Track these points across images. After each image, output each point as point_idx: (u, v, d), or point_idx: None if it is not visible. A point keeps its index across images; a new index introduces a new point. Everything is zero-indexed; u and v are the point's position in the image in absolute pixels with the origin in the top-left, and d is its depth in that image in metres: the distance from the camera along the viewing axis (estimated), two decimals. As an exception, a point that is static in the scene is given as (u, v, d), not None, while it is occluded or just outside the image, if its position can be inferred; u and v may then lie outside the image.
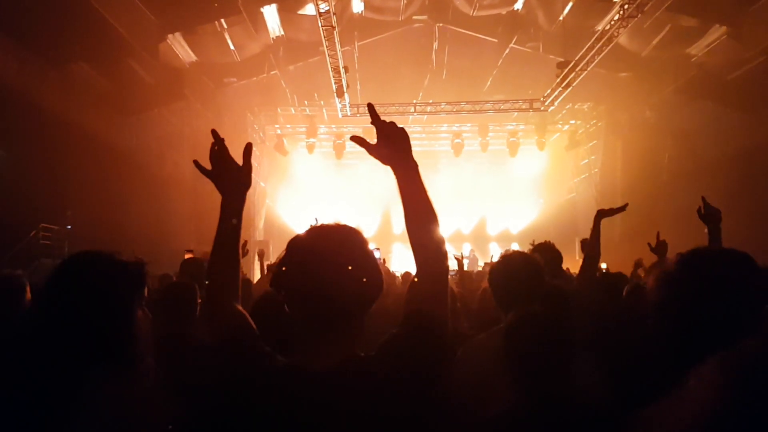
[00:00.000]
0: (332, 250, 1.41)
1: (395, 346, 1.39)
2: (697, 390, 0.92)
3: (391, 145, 1.53)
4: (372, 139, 1.55)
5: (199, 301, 3.15)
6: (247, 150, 1.63)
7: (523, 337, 1.93)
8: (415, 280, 1.55)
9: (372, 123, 1.54)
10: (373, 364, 1.37)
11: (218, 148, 1.61)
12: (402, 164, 1.53)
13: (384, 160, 1.54)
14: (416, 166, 1.53)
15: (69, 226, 12.37)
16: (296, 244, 1.48)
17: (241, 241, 1.67)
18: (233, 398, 1.38)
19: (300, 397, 1.31)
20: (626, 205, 3.59)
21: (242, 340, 1.46)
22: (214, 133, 1.63)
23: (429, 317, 1.43)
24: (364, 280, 1.41)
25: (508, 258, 2.67)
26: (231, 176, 1.60)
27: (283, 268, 1.45)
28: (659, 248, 3.77)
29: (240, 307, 1.55)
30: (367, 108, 1.59)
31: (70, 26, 10.85)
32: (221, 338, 1.48)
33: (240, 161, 1.62)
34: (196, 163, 1.62)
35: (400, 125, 1.54)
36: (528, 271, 2.50)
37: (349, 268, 1.40)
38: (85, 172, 12.04)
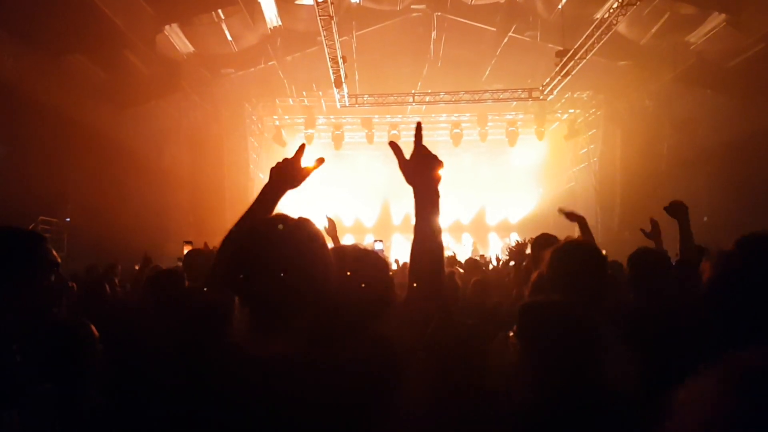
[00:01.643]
0: (291, 254, 1.39)
1: (346, 353, 1.37)
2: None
3: (421, 165, 1.54)
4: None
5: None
6: (317, 163, 1.83)
7: (538, 328, 1.76)
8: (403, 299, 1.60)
9: (414, 141, 1.57)
10: (316, 362, 1.33)
11: (297, 152, 1.79)
12: (423, 189, 1.53)
13: (408, 179, 1.55)
14: (438, 196, 1.53)
15: (68, 219, 12.36)
16: (252, 246, 1.44)
17: None
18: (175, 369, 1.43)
19: (237, 378, 1.31)
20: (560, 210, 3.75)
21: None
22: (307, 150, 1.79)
23: (389, 342, 1.43)
24: (323, 286, 1.40)
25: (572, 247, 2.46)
26: (286, 172, 1.75)
27: (241, 275, 1.41)
28: (654, 233, 3.75)
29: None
30: (415, 127, 1.61)
31: (66, 18, 10.77)
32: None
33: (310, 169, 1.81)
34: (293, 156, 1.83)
35: (439, 157, 1.56)
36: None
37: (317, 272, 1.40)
38: (83, 164, 12.02)
